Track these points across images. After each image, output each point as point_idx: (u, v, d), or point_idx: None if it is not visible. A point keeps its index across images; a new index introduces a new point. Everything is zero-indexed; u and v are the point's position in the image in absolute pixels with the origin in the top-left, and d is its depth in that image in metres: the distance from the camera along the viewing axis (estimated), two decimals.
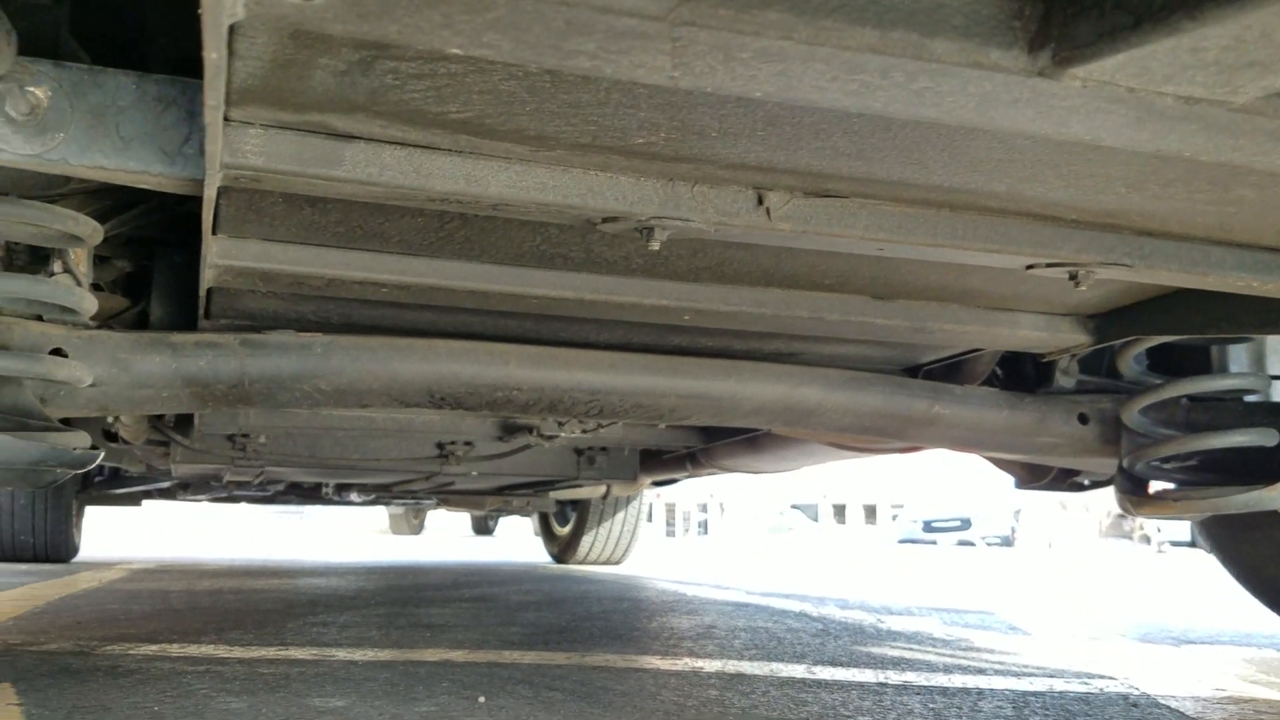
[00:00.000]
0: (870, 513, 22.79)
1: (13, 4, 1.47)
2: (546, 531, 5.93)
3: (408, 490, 4.24)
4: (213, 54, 0.49)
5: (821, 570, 6.11)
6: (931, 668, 1.81)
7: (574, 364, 2.01)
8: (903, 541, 17.63)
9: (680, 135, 0.96)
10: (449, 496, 4.65)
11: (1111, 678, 1.82)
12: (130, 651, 1.71)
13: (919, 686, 1.57)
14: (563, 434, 2.91)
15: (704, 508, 22.26)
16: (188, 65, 1.11)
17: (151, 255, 2.25)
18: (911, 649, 2.09)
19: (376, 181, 1.10)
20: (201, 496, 5.57)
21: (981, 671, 1.80)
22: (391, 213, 1.48)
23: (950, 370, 2.34)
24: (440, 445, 3.38)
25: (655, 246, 1.25)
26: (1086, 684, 1.73)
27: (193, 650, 1.75)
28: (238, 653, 1.73)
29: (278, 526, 15.25)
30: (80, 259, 1.82)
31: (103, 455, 1.60)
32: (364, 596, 3.17)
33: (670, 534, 20.94)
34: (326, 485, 5.12)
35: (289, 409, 2.18)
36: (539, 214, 1.22)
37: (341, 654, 1.74)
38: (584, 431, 2.94)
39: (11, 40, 0.74)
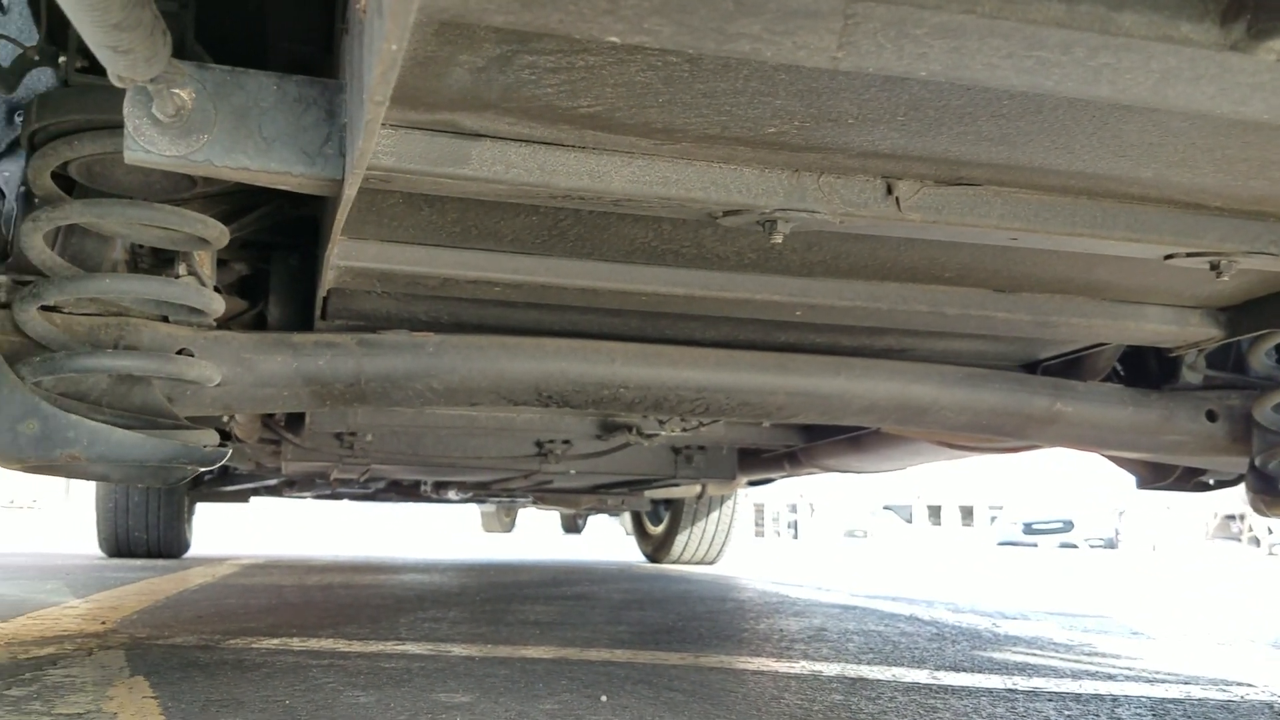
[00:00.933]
0: (967, 514, 22.29)
1: None
2: (639, 530, 5.93)
3: (506, 488, 4.29)
4: (392, 45, 0.48)
5: (923, 573, 5.99)
6: (1059, 673, 1.74)
7: (680, 362, 2.00)
8: (1002, 544, 17.19)
9: (814, 123, 0.94)
10: (545, 495, 4.69)
11: (1250, 684, 1.73)
12: (253, 645, 1.75)
13: (1050, 693, 1.51)
14: (663, 432, 2.90)
15: (794, 508, 22.05)
16: (305, 69, 1.11)
17: (268, 259, 2.31)
18: (1034, 654, 2.02)
19: (502, 179, 1.10)
20: (306, 494, 5.71)
21: (1112, 677, 1.73)
22: (507, 211, 1.49)
23: (1069, 366, 2.26)
24: (539, 444, 3.40)
25: (778, 240, 1.22)
26: (1225, 691, 1.65)
27: (313, 644, 1.78)
28: (357, 647, 1.76)
29: (372, 523, 15.60)
30: (204, 262, 1.87)
31: (229, 453, 1.65)
32: (468, 593, 3.20)
33: (759, 535, 20.79)
34: (425, 483, 5.21)
35: (396, 408, 2.20)
36: (660, 209, 1.20)
37: (457, 649, 1.75)
38: (683, 430, 2.93)
39: (167, 41, 0.75)
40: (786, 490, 20.55)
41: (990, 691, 1.49)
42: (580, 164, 1.11)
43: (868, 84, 0.80)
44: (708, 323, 2.06)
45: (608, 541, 11.97)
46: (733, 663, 1.69)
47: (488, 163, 1.09)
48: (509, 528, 13.04)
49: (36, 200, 1.92)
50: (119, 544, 4.91)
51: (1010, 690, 1.52)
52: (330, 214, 1.63)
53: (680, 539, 5.35)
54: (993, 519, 20.51)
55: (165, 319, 1.80)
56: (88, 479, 1.76)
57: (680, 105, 0.92)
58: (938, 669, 1.71)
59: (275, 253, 2.26)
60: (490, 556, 6.62)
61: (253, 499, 5.93)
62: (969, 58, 0.64)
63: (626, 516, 12.05)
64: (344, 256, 1.55)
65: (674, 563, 5.49)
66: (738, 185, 1.15)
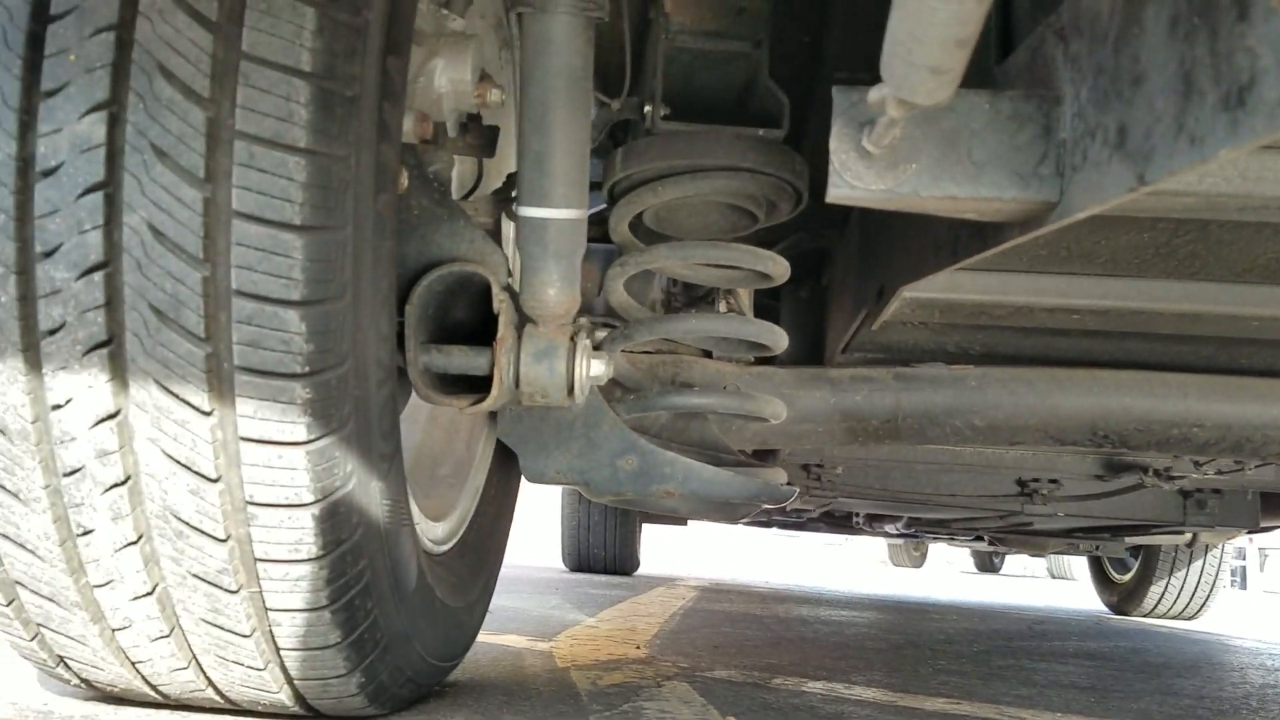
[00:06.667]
0: None
1: (719, 52, 1.55)
2: (1100, 578, 5.39)
3: (970, 527, 4.05)
4: None
5: None
6: None
7: (1272, 397, 1.71)
8: None
9: None
10: (1009, 536, 4.38)
11: None
12: (804, 689, 1.71)
13: None
14: (1194, 475, 2.55)
15: (1241, 554, 19.26)
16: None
17: (776, 292, 2.32)
18: None
19: (1193, 191, 0.94)
20: (742, 520, 5.83)
21: None
22: (1114, 229, 1.31)
23: None
24: (1022, 482, 3.15)
25: None
26: None
27: (860, 693, 1.71)
28: (909, 701, 1.66)
29: (769, 547, 15.74)
30: (743, 297, 1.88)
31: (797, 492, 1.63)
32: (956, 639, 3.02)
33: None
34: (858, 515, 5.09)
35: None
36: None
37: (1026, 715, 1.59)
38: (1219, 473, 2.55)
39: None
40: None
41: None
42: None
43: None
44: None
45: (1030, 582, 11.15)
46: None
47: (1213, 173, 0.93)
48: (919, 562, 12.60)
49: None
50: (580, 559, 5.29)
51: None
52: (892, 241, 1.56)
53: (1154, 590, 4.78)
54: None
55: (708, 354, 1.84)
56: (656, 511, 1.83)
57: None
58: None
59: (784, 287, 2.24)
60: (927, 594, 6.35)
61: (690, 522, 6.17)
62: None
63: (1061, 559, 11.07)
64: (914, 287, 1.46)
65: (1144, 616, 4.91)
66: None
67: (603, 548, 5.29)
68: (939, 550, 12.87)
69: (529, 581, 4.18)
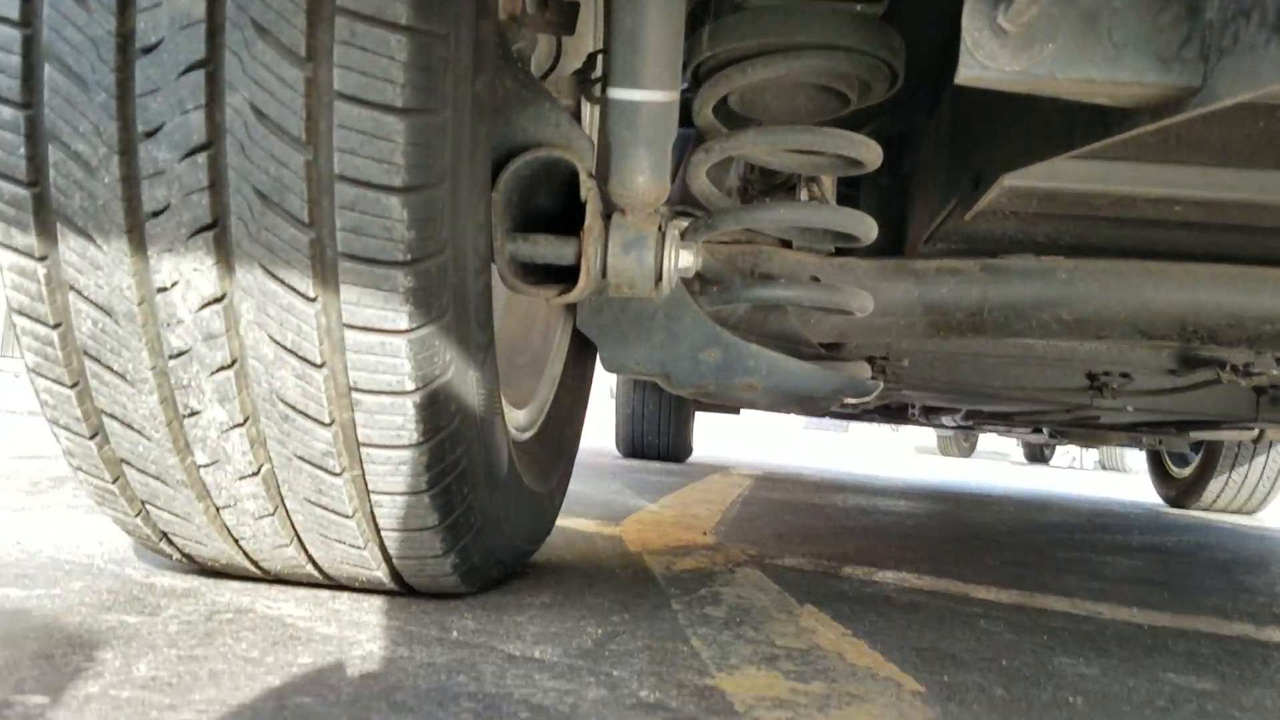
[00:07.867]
0: None
1: None
2: (1158, 472, 5.35)
3: (1034, 420, 4.01)
4: None
5: None
6: None
7: None
8: None
9: None
10: (1071, 429, 4.33)
11: None
12: (874, 578, 1.72)
13: None
14: (1275, 372, 2.48)
15: None
16: None
17: (854, 181, 2.25)
18: None
19: None
20: (794, 410, 5.84)
21: None
22: (1228, 117, 1.24)
23: None
24: (1091, 376, 3.09)
25: None
26: None
27: (930, 584, 1.72)
28: (981, 594, 1.67)
29: (812, 435, 15.84)
30: (827, 185, 1.83)
31: (881, 387, 1.61)
32: (1017, 530, 3.03)
33: None
34: (914, 406, 5.06)
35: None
36: None
37: (1105, 610, 1.60)
38: None
39: None
40: None
41: None
42: None
43: None
44: None
45: (1078, 473, 11.14)
46: None
47: None
48: (968, 452, 12.62)
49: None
50: (634, 446, 5.35)
51: None
52: (993, 127, 1.50)
53: (1213, 485, 4.75)
54: None
55: (788, 244, 1.80)
56: (738, 405, 1.82)
57: None
58: None
59: (864, 175, 2.18)
60: (978, 483, 6.36)
61: (742, 411, 6.19)
62: None
63: (1113, 451, 11.03)
64: (1019, 175, 1.40)
65: (1203, 510, 4.89)
66: None
67: (657, 435, 5.33)
68: (988, 440, 12.87)
69: (587, 467, 4.24)
